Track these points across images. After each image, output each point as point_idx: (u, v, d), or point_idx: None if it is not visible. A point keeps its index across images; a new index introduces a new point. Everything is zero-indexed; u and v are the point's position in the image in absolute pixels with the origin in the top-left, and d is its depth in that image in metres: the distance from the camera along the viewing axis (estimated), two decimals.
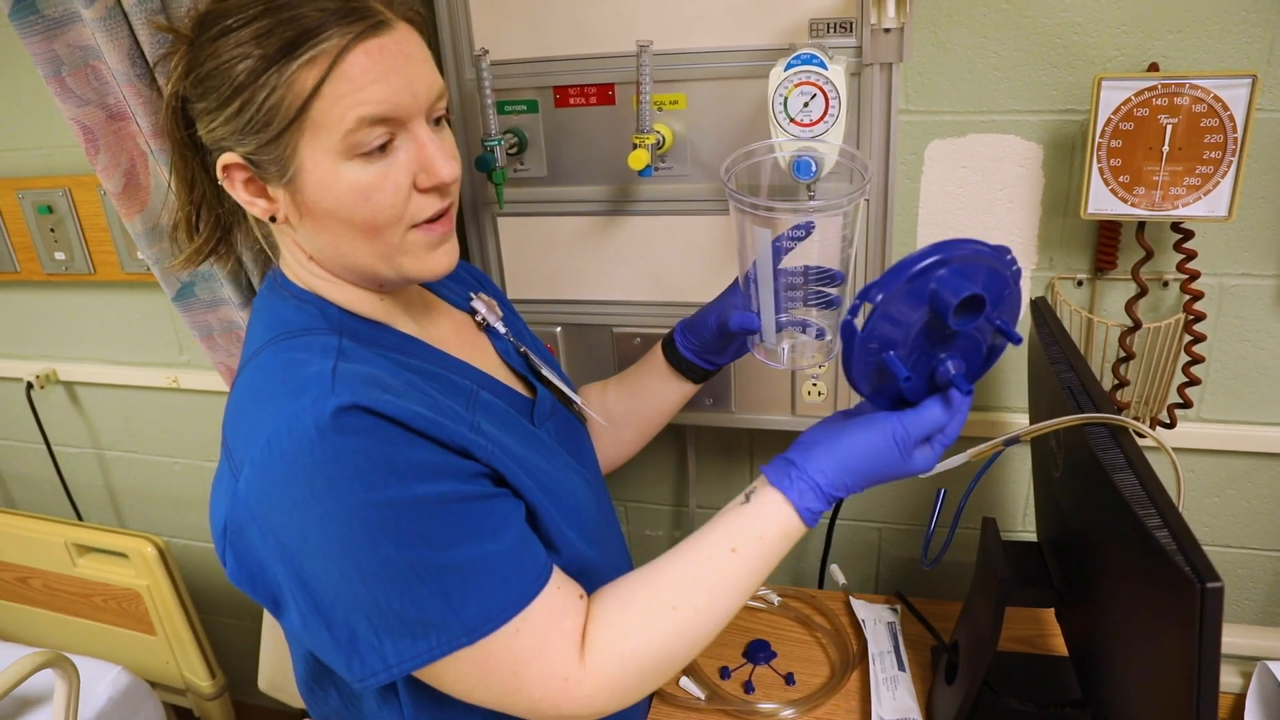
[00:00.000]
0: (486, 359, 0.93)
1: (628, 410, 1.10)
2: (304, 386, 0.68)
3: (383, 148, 0.71)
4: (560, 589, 0.76)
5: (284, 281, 0.82)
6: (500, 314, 0.98)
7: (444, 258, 0.79)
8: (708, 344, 1.03)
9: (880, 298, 0.74)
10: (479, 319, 0.96)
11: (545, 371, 0.96)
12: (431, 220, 0.76)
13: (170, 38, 0.75)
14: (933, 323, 0.75)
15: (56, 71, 1.00)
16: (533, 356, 0.97)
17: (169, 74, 0.75)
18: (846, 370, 0.79)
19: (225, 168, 0.73)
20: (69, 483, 1.92)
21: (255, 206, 0.75)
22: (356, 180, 0.71)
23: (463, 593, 0.69)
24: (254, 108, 0.69)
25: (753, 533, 0.79)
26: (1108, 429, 0.83)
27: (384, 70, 0.69)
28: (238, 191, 0.75)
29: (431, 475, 0.69)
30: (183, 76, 0.74)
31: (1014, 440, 0.90)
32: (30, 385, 1.77)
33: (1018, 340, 0.78)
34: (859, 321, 0.76)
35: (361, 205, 0.72)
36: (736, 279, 0.99)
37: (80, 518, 1.96)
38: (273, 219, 0.75)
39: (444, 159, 0.74)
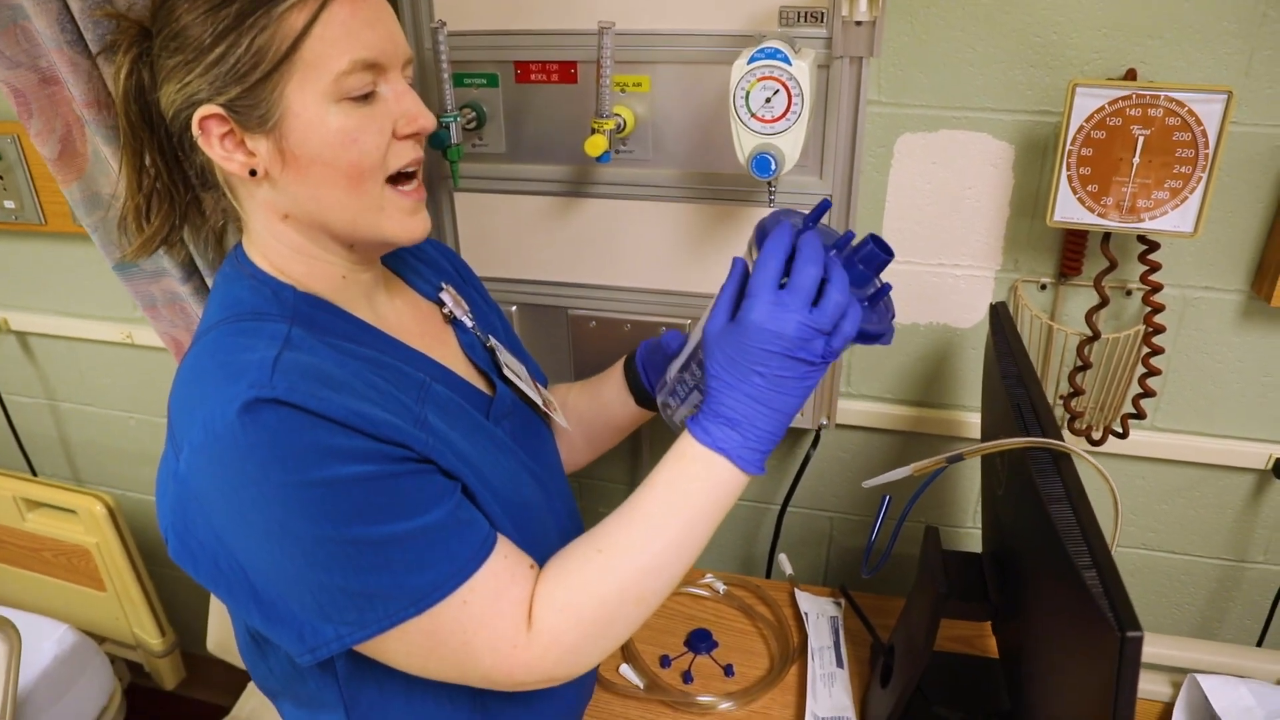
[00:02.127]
0: (447, 351, 0.91)
1: (581, 417, 1.10)
2: (242, 371, 0.67)
3: (366, 96, 0.73)
4: (508, 558, 0.76)
5: (243, 260, 0.81)
6: (466, 307, 0.96)
7: (423, 223, 0.81)
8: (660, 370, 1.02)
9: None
10: (446, 311, 0.94)
11: (507, 371, 0.94)
12: (408, 175, 0.78)
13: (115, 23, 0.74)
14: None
15: None
16: (499, 354, 0.95)
17: (119, 54, 0.74)
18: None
19: (202, 120, 0.72)
20: (21, 433, 1.89)
21: (232, 161, 0.73)
22: (344, 124, 0.72)
23: (405, 563, 0.70)
24: (240, 49, 0.69)
25: (664, 459, 0.79)
26: (1050, 454, 0.83)
27: (369, 18, 0.72)
28: (213, 147, 0.73)
29: (363, 458, 0.69)
30: (139, 52, 0.74)
31: (957, 458, 0.90)
32: None
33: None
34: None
35: (349, 147, 0.73)
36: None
37: (33, 469, 1.93)
38: (251, 173, 0.74)
39: (420, 108, 0.77)
